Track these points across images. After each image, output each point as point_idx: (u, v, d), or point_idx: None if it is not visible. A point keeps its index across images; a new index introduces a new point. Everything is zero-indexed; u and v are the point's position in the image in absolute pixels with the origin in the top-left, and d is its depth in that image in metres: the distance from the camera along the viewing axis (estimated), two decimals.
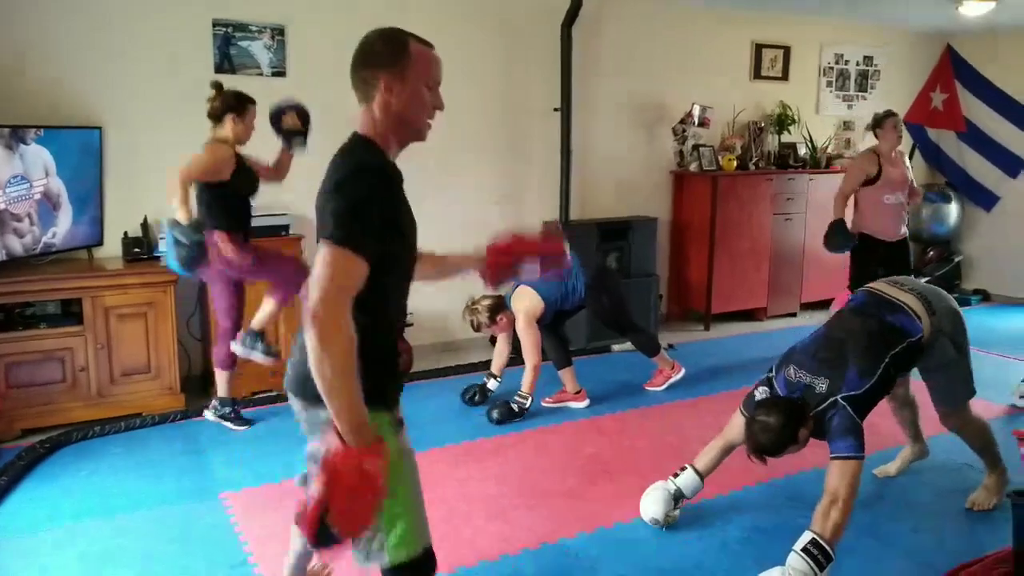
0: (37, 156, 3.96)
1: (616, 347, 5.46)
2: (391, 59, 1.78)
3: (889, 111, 5.26)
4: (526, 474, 3.56)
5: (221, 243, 3.73)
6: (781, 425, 2.63)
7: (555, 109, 5.51)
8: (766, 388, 2.88)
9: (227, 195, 3.75)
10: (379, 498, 1.61)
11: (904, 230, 5.26)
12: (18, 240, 3.93)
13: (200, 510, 3.22)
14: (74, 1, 4.23)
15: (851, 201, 5.24)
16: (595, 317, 4.72)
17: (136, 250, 4.31)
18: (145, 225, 4.39)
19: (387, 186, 1.73)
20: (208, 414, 4.08)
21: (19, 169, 3.89)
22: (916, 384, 3.44)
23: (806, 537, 2.53)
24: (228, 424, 4.05)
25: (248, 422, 4.10)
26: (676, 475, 3.06)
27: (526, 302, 4.29)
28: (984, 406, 4.10)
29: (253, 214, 3.96)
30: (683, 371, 4.76)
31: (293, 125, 3.88)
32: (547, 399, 4.46)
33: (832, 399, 2.66)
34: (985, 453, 3.26)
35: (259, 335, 4.01)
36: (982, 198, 7.42)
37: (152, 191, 4.37)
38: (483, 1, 5.41)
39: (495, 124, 5.57)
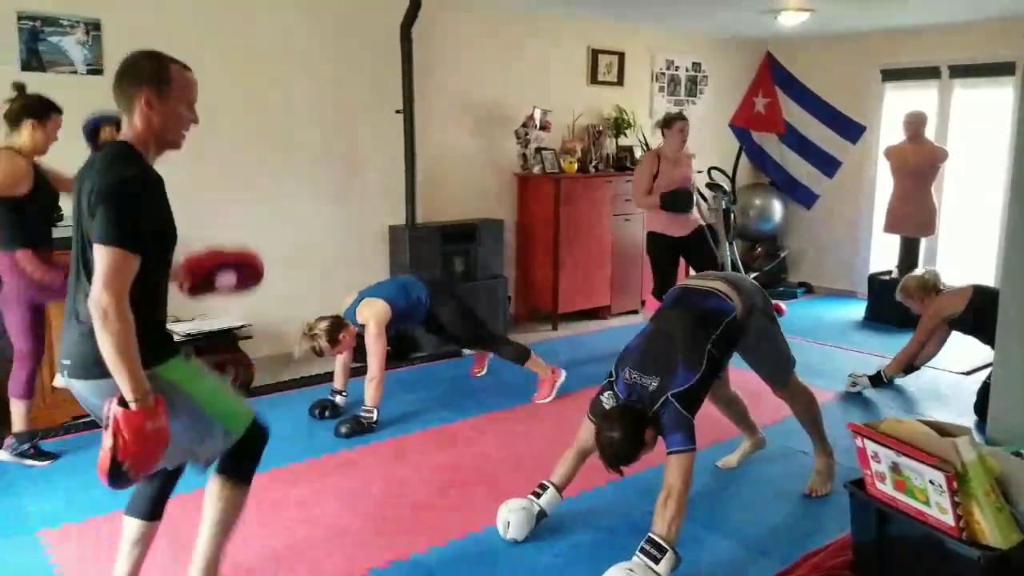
0: None
1: (467, 351, 5.44)
2: (153, 78, 2.04)
3: (680, 113, 5.43)
4: (375, 489, 3.47)
5: (25, 262, 3.43)
6: (624, 437, 2.70)
7: (397, 111, 5.43)
8: (610, 392, 2.93)
9: (25, 211, 3.43)
10: (162, 445, 1.99)
11: (694, 225, 5.40)
12: None
13: (13, 550, 2.92)
14: None
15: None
16: (450, 330, 4.57)
17: None
18: None
19: (148, 193, 2.02)
20: (3, 454, 3.64)
21: None
22: (737, 381, 3.63)
23: (645, 537, 2.66)
24: (29, 462, 3.63)
25: (50, 456, 3.70)
26: (538, 494, 3.07)
27: (375, 308, 4.20)
28: (815, 393, 4.38)
29: (54, 228, 3.64)
30: (564, 373, 4.69)
31: (111, 139, 3.53)
32: (538, 398, 4.55)
33: (663, 397, 2.74)
34: (813, 428, 3.44)
35: None
36: (803, 197, 7.97)
37: None
38: (318, 1, 5.26)
39: (335, 127, 5.43)
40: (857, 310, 6.99)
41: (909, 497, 2.42)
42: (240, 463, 2.27)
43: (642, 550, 2.63)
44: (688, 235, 5.36)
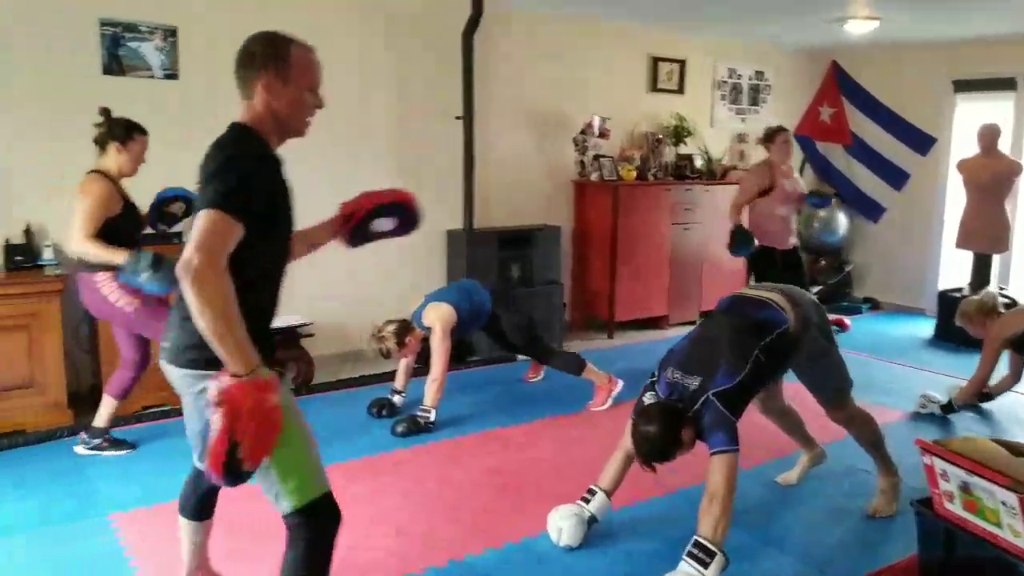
0: None
1: (522, 356, 5.45)
2: (272, 62, 1.90)
3: (780, 126, 5.49)
4: (430, 489, 3.51)
5: (104, 285, 3.51)
6: (661, 433, 2.66)
7: (457, 117, 5.49)
8: (652, 393, 2.91)
9: (113, 231, 3.48)
10: (278, 427, 1.73)
11: (794, 240, 5.52)
12: None
13: (85, 532, 3.05)
14: None
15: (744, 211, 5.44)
16: (509, 337, 4.60)
17: (18, 258, 4.09)
18: (28, 232, 4.15)
19: (261, 168, 1.86)
20: (80, 448, 3.78)
21: None
22: (796, 395, 3.56)
23: (691, 540, 2.62)
24: (107, 453, 3.78)
25: (125, 444, 3.84)
26: (587, 500, 3.06)
27: (441, 312, 4.27)
28: (880, 412, 4.28)
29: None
30: (621, 383, 4.66)
31: (178, 211, 3.79)
32: (593, 406, 4.54)
33: (704, 396, 2.70)
34: (875, 450, 3.34)
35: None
36: (869, 210, 7.78)
37: (35, 197, 4.16)
38: (381, 8, 5.35)
39: (395, 132, 5.51)
40: (926, 328, 6.80)
41: (979, 518, 2.35)
42: (308, 564, 1.92)
43: (690, 554, 2.60)
44: (790, 249, 5.47)
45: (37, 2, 4.19)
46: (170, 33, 4.56)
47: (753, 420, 3.62)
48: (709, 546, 2.57)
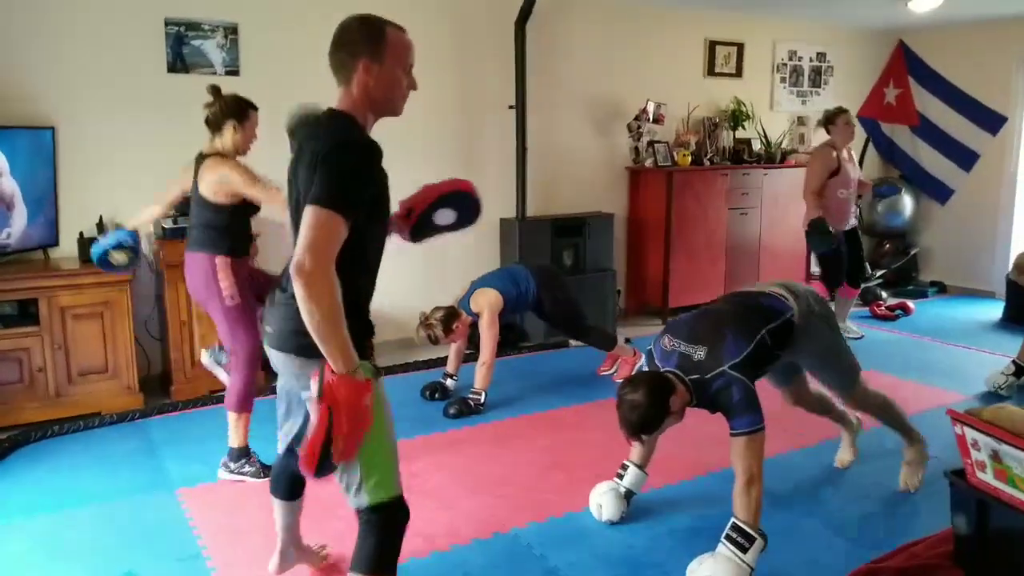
0: None
1: (574, 342, 5.50)
2: (369, 44, 1.94)
3: (840, 108, 5.47)
4: (479, 466, 3.61)
5: (221, 270, 3.29)
6: (648, 402, 2.59)
7: (510, 106, 5.56)
8: (645, 362, 2.93)
9: (238, 214, 3.33)
10: (367, 425, 1.83)
11: (853, 221, 5.59)
12: None
13: (154, 505, 3.24)
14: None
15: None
16: (550, 318, 4.69)
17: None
18: (100, 225, 4.37)
19: (369, 159, 1.88)
20: (222, 473, 3.47)
21: None
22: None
23: (729, 523, 2.62)
24: (249, 480, 3.44)
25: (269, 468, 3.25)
26: (620, 475, 3.11)
27: (489, 297, 4.36)
28: (939, 395, 4.21)
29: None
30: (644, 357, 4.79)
31: (121, 260, 3.53)
32: (616, 376, 4.79)
33: (719, 370, 2.64)
34: (896, 425, 3.35)
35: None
36: (937, 191, 7.57)
37: (106, 191, 4.39)
38: None
39: (449, 121, 5.60)
40: (994, 311, 6.60)
41: (1011, 487, 2.33)
42: (381, 554, 1.97)
43: (728, 537, 2.60)
44: (849, 230, 5.59)
45: (107, 4, 4.41)
46: (231, 30, 4.74)
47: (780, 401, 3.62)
48: (747, 529, 2.58)
